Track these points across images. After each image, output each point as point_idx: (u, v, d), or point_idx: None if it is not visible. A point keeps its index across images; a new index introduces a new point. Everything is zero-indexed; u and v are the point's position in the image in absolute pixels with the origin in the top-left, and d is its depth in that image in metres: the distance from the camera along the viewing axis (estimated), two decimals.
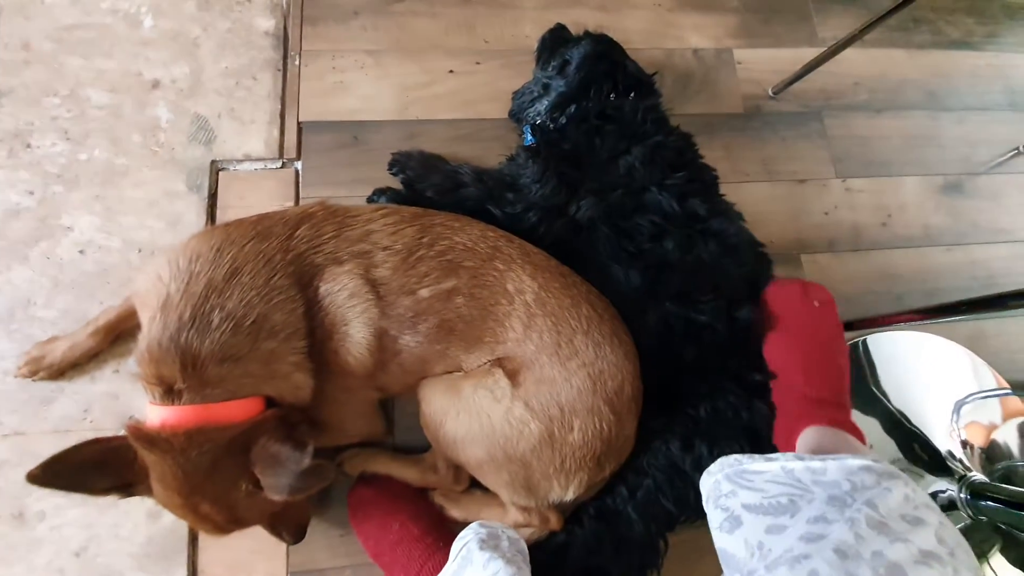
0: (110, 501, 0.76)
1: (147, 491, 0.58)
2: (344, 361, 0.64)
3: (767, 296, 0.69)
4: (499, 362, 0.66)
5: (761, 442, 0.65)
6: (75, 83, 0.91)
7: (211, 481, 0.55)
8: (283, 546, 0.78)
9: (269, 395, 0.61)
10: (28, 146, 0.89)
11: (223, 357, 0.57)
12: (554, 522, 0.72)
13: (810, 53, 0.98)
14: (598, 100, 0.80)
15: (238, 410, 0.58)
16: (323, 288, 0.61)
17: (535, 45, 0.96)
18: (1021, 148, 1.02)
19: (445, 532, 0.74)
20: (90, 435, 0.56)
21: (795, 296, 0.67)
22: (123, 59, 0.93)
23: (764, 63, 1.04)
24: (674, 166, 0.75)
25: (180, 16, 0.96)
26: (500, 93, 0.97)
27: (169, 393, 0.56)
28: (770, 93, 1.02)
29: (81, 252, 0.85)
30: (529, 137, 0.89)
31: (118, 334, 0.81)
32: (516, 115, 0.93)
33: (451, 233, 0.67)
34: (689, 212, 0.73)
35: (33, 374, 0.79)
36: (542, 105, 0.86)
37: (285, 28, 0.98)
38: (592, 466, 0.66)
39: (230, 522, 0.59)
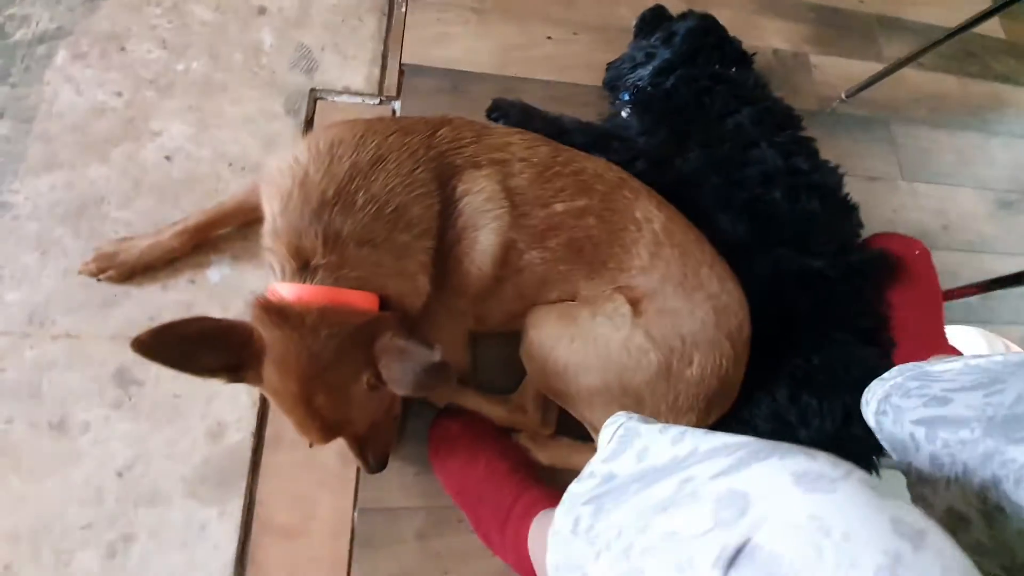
0: (168, 416, 0.72)
1: (256, 378, 0.54)
2: (465, 271, 0.63)
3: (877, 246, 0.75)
4: (620, 290, 0.65)
5: None
6: None
7: (334, 368, 0.52)
8: (351, 481, 0.73)
9: (387, 294, 0.58)
10: (123, 49, 0.87)
11: (363, 240, 0.55)
12: None
13: (876, 67, 1.05)
14: (707, 66, 0.84)
15: (364, 301, 0.56)
16: (460, 188, 0.60)
17: (629, 25, 1.01)
18: None
19: (533, 472, 0.70)
20: None
21: (900, 247, 0.73)
22: None
23: (836, 70, 1.11)
24: (781, 127, 0.79)
25: None
26: (595, 63, 1.00)
27: (304, 270, 0.53)
28: (843, 96, 1.08)
29: (167, 158, 0.83)
30: (627, 100, 0.91)
31: (203, 240, 0.77)
32: (612, 83, 0.96)
33: (582, 159, 0.67)
34: (792, 168, 0.76)
35: (101, 271, 0.74)
36: (645, 71, 0.89)
37: None
38: (702, 407, 0.65)
39: (339, 421, 0.55)
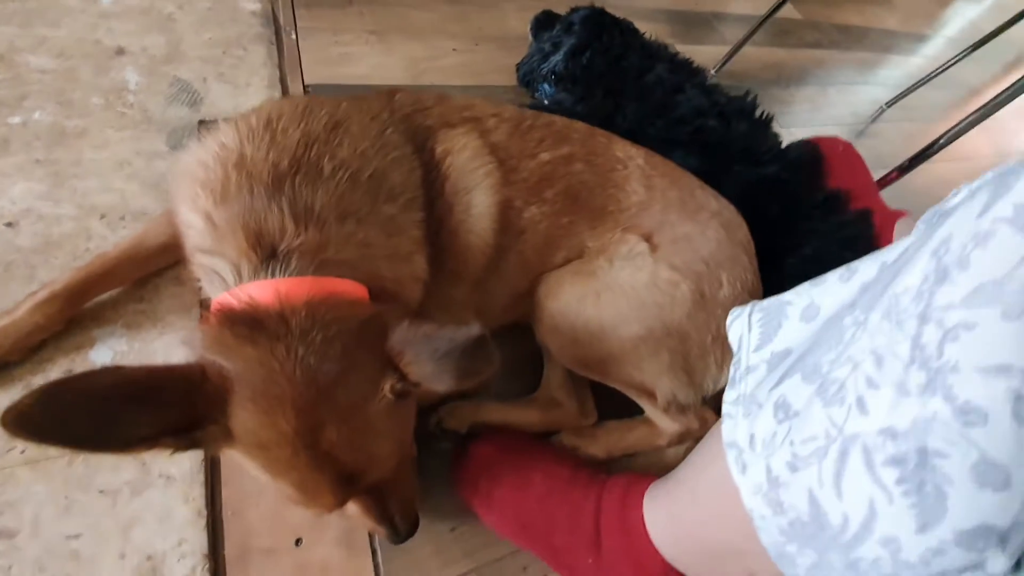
0: (67, 570, 0.47)
1: (222, 436, 0.37)
2: (464, 243, 0.53)
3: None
4: (628, 231, 0.60)
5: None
6: (6, 49, 0.74)
7: (343, 381, 0.38)
8: (367, 570, 0.54)
9: (381, 284, 0.46)
10: None
11: (343, 212, 0.43)
12: (712, 423, 0.62)
13: (724, 49, 1.24)
14: (613, 38, 0.89)
15: (356, 291, 0.43)
16: (439, 149, 0.52)
17: (522, 32, 1.06)
18: (884, 105, 1.36)
19: (596, 470, 0.58)
20: None
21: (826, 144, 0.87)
22: (75, 28, 0.79)
23: (698, 55, 1.26)
24: (693, 75, 0.87)
25: None
26: (504, 67, 1.02)
27: (271, 260, 0.40)
28: (713, 72, 1.24)
29: (9, 225, 0.62)
30: (549, 89, 0.93)
31: (78, 311, 0.57)
32: (527, 79, 0.98)
33: (547, 114, 0.63)
34: (714, 101, 0.85)
35: None
36: (558, 57, 0.92)
37: (273, 10, 0.93)
38: None
39: (360, 463, 0.40)
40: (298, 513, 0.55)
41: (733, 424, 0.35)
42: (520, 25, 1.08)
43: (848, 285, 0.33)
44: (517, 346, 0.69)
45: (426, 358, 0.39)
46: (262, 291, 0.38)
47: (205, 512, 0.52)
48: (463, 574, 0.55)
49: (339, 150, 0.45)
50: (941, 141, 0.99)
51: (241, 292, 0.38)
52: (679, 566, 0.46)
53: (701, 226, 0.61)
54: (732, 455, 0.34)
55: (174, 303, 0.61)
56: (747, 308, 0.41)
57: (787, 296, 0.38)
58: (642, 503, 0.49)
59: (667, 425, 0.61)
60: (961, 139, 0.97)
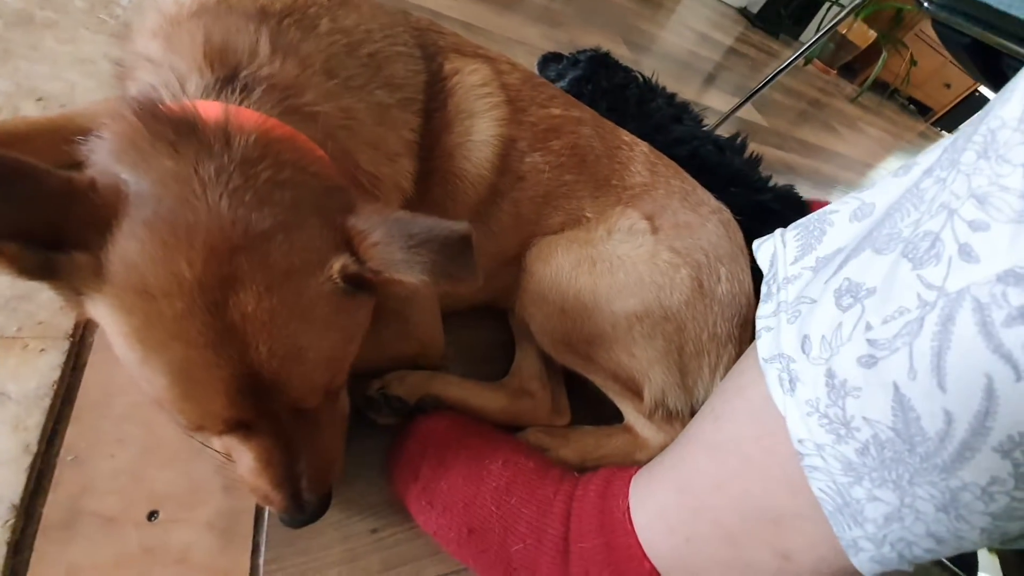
0: None
1: (90, 270, 0.26)
2: (458, 169, 0.47)
3: None
4: (629, 206, 0.56)
5: None
6: None
7: (280, 239, 0.29)
8: (241, 558, 0.38)
9: (351, 174, 0.39)
10: None
11: (331, 70, 0.37)
12: None
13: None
14: (616, 73, 0.94)
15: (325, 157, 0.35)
16: (448, 66, 0.48)
17: (528, 67, 1.12)
18: None
19: (567, 468, 0.47)
20: None
21: None
22: None
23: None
24: (688, 111, 0.94)
25: None
26: None
27: (229, 81, 0.32)
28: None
29: None
30: None
31: None
32: None
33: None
34: (709, 134, 0.90)
35: None
36: (562, 84, 0.96)
37: None
38: (736, 335, 0.54)
39: (279, 361, 0.29)
40: (161, 478, 0.40)
41: (774, 336, 0.28)
42: (528, 62, 1.14)
43: (907, 177, 0.29)
44: (488, 332, 0.61)
45: (396, 243, 0.30)
46: (208, 106, 0.30)
47: (35, 449, 0.38)
48: None
49: (342, 19, 0.40)
50: None
51: (182, 100, 0.30)
52: (677, 571, 0.34)
53: (702, 219, 0.57)
54: (774, 372, 0.27)
55: None
56: (776, 231, 0.36)
57: (828, 208, 0.33)
58: (628, 492, 0.38)
59: (651, 435, 0.52)
60: None
